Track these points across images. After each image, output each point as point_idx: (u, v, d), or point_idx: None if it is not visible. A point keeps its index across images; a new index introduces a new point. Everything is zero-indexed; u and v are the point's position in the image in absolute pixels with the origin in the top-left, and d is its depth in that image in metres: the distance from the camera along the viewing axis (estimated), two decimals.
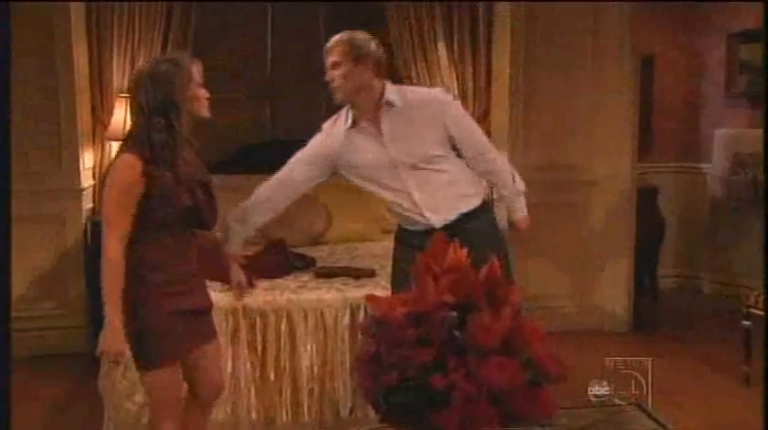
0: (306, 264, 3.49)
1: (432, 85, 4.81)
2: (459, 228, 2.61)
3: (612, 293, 4.68)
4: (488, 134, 4.90)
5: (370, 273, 3.38)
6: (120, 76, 4.37)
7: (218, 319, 2.99)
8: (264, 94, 4.97)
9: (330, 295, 3.12)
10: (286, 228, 4.12)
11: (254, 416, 3.04)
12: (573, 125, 4.62)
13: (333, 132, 2.72)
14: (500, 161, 2.86)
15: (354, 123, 2.66)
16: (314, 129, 4.87)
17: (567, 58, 4.57)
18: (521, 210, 2.92)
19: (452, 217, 2.67)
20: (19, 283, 3.93)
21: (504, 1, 4.60)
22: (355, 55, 2.57)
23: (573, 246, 4.69)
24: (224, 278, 3.21)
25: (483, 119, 4.89)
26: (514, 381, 1.08)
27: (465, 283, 1.18)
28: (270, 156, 4.66)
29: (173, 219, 2.18)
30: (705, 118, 5.59)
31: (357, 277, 3.31)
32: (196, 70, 2.26)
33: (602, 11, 4.56)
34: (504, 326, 1.13)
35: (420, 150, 2.62)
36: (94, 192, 4.45)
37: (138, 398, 2.92)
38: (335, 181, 4.55)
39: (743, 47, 5.28)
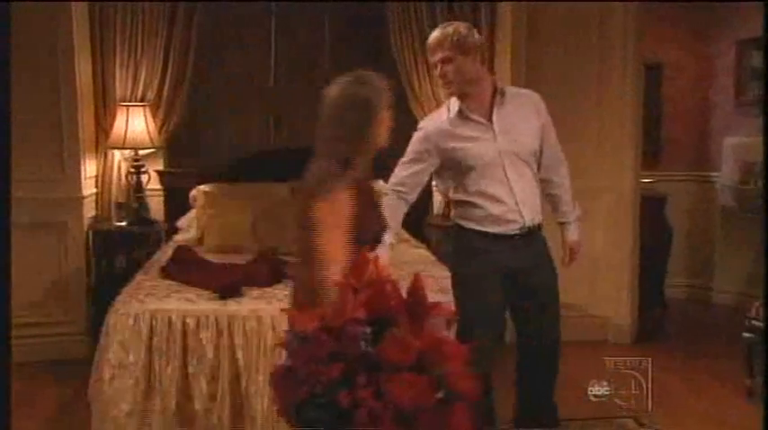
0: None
1: (432, 87, 4.79)
2: (532, 238, 2.73)
3: (617, 304, 4.60)
4: None
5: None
6: (122, 85, 4.42)
7: (204, 327, 3.01)
8: (268, 101, 4.97)
9: None
10: (281, 238, 4.12)
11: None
12: (575, 132, 4.54)
13: (437, 126, 2.74)
14: (568, 177, 2.91)
15: (460, 114, 2.69)
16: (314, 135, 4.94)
17: (570, 63, 4.52)
18: (576, 233, 2.98)
19: (535, 222, 2.73)
20: (20, 290, 3.97)
21: (506, 1, 4.54)
22: (464, 47, 2.62)
23: (581, 256, 4.60)
24: (210, 286, 3.21)
25: None
26: (422, 400, 1.04)
27: (383, 299, 1.15)
28: (273, 164, 4.71)
29: (360, 237, 2.12)
30: (715, 126, 5.49)
31: None
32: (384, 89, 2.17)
33: (606, 15, 4.50)
34: (420, 343, 1.10)
35: (526, 141, 2.70)
36: (97, 200, 4.49)
37: (125, 406, 2.93)
38: None
39: (753, 53, 5.17)
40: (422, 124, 2.87)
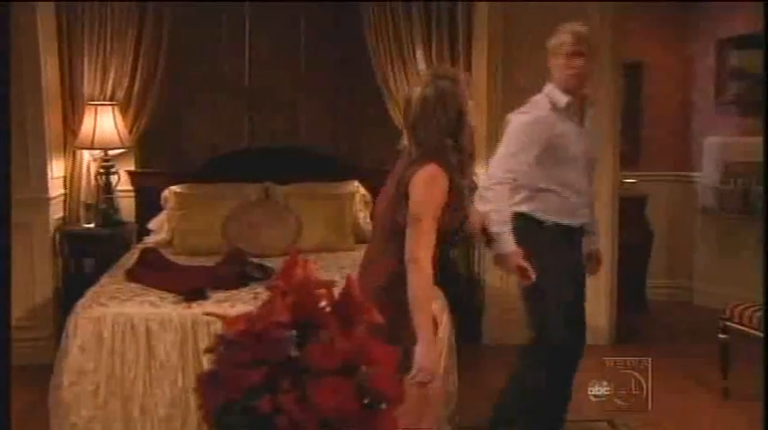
0: (265, 275, 3.45)
1: (408, 86, 4.78)
2: (582, 234, 3.00)
3: (595, 306, 4.56)
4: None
5: (330, 285, 3.32)
6: (91, 84, 4.38)
7: (168, 330, 2.98)
8: (243, 100, 4.95)
9: None
10: (253, 239, 4.10)
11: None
12: None
13: (544, 116, 2.90)
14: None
15: (567, 108, 2.92)
16: (294, 135, 4.93)
17: (546, 62, 4.49)
18: (598, 242, 3.18)
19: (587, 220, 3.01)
20: None
21: (482, 1, 4.54)
22: (593, 51, 2.99)
23: None
24: (175, 288, 3.19)
25: None
26: (346, 405, 1.03)
27: (310, 302, 1.13)
28: (248, 165, 4.69)
29: (452, 229, 2.20)
30: (695, 126, 5.51)
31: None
32: (465, 82, 2.26)
33: (583, 15, 4.48)
34: (347, 347, 1.08)
35: (596, 149, 3.12)
36: (65, 201, 4.45)
37: (85, 412, 2.89)
38: (307, 190, 4.56)
39: (733, 53, 5.18)
40: (527, 115, 2.95)
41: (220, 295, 3.20)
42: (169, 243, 4.25)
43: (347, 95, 5.05)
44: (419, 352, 2.00)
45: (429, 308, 2.06)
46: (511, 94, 4.49)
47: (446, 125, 2.16)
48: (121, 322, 2.97)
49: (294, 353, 1.07)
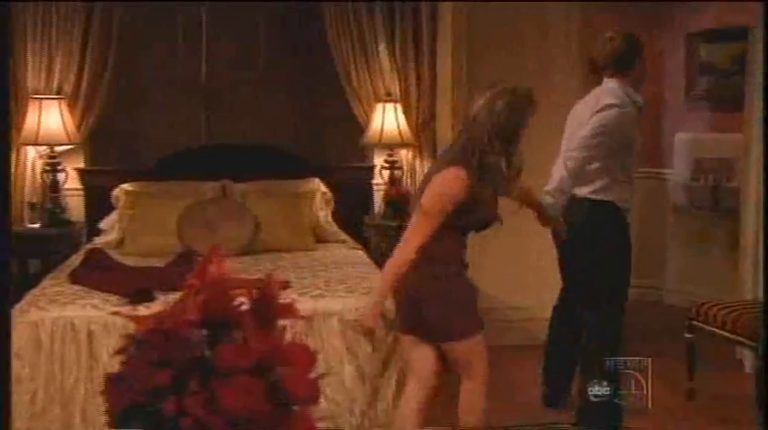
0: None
1: (373, 86, 4.78)
2: None
3: None
4: (433, 140, 4.89)
5: (284, 286, 3.31)
6: (35, 76, 4.32)
7: (111, 334, 2.94)
8: (200, 98, 4.91)
9: None
10: (208, 239, 4.06)
11: None
12: None
13: (630, 111, 3.26)
14: None
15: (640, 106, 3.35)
16: (254, 133, 4.90)
17: (511, 60, 4.53)
18: None
19: None
20: None
21: (446, 1, 4.56)
22: None
23: (524, 258, 4.64)
24: (120, 290, 3.15)
25: (428, 124, 4.87)
26: (257, 405, 1.02)
27: (223, 300, 1.13)
28: (204, 162, 4.65)
29: (471, 225, 2.57)
30: (666, 122, 5.56)
31: None
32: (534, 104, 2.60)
33: (548, 11, 4.52)
34: (260, 347, 1.08)
35: None
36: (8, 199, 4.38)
37: (20, 423, 2.84)
38: (265, 188, 4.54)
39: (703, 47, 5.25)
40: (624, 110, 3.25)
41: (169, 297, 3.16)
42: (120, 243, 4.20)
43: (309, 92, 5.03)
44: (366, 302, 2.62)
45: (390, 280, 2.50)
46: (476, 94, 4.51)
47: (499, 129, 2.47)
48: (61, 326, 2.92)
49: (205, 352, 1.06)
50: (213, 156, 4.71)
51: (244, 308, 1.11)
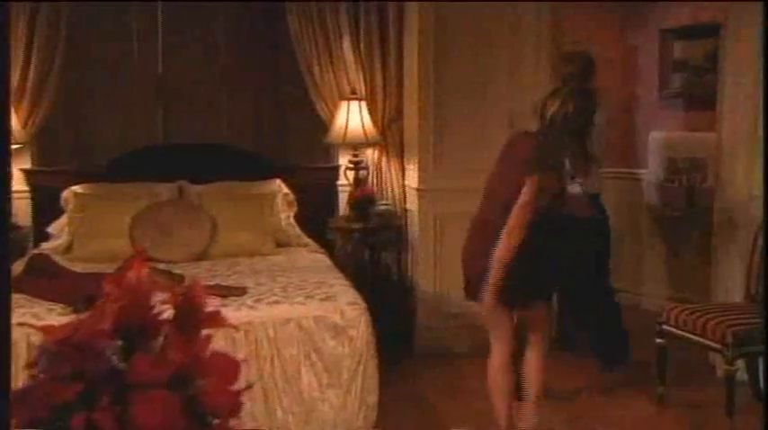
0: (173, 282, 3.37)
1: (337, 81, 4.76)
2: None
3: None
4: (400, 136, 4.88)
5: (240, 292, 3.28)
6: None
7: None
8: (157, 90, 4.85)
9: None
10: (163, 243, 4.01)
11: None
12: (490, 129, 4.57)
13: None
14: None
15: None
16: (213, 131, 4.85)
17: (480, 56, 4.54)
18: None
19: None
20: None
21: (412, 0, 4.56)
22: None
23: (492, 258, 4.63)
24: (65, 298, 3.10)
25: (395, 120, 4.86)
26: (172, 420, 1.00)
27: (141, 308, 1.10)
28: (161, 162, 4.59)
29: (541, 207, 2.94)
30: (640, 120, 5.60)
31: (224, 296, 3.21)
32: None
33: (518, 8, 4.53)
34: (181, 358, 1.05)
35: None
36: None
37: None
38: (224, 189, 4.49)
39: (677, 44, 5.30)
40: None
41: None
42: (68, 248, 4.13)
43: (271, 90, 4.99)
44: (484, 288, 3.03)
45: (502, 267, 2.95)
46: (443, 92, 4.52)
47: (574, 123, 2.97)
48: None
49: (120, 365, 1.03)
50: (170, 156, 4.66)
51: (165, 316, 1.09)
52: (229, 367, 1.09)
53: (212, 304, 3.13)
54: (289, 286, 3.40)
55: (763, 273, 3.38)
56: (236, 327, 2.83)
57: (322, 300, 3.23)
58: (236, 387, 1.07)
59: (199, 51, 4.90)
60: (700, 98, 5.05)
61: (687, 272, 5.18)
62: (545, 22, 4.51)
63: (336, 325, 3.12)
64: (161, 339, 1.07)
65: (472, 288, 3.16)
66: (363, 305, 3.24)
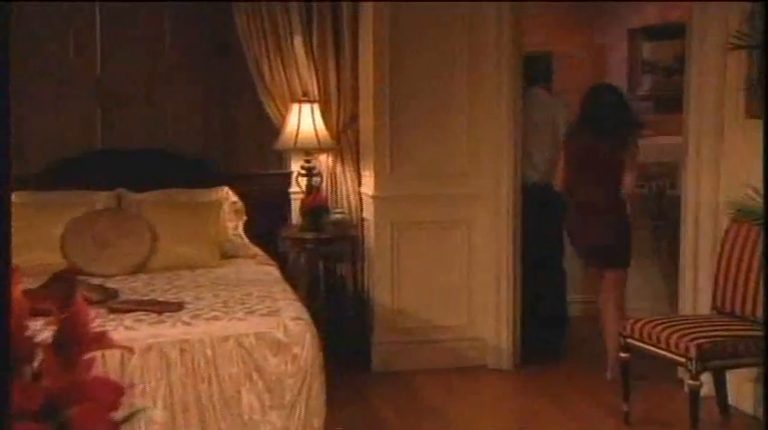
0: (105, 297, 3.33)
1: (288, 82, 4.74)
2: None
3: (496, 325, 4.63)
4: (356, 141, 4.87)
5: (177, 307, 3.24)
6: None
7: None
8: (96, 92, 4.79)
9: (115, 336, 2.94)
10: (98, 256, 3.96)
11: None
12: (445, 132, 4.59)
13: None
14: None
15: None
16: (157, 135, 4.80)
17: (437, 57, 4.55)
18: None
19: None
20: None
21: (367, 1, 4.57)
22: None
23: (454, 270, 4.65)
24: None
25: (350, 124, 4.85)
26: None
27: (15, 331, 1.07)
28: (100, 169, 4.53)
29: None
30: None
31: (158, 312, 3.17)
32: None
33: (477, 5, 4.55)
34: (55, 384, 1.02)
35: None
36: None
37: None
38: (166, 197, 4.45)
39: (645, 44, 5.36)
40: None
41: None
42: None
43: (218, 92, 4.96)
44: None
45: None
46: (400, 94, 4.53)
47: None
48: None
49: None
50: (108, 161, 4.60)
51: (42, 338, 1.06)
52: (109, 393, 1.06)
53: (147, 321, 3.08)
54: (230, 300, 3.37)
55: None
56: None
57: (264, 315, 3.20)
58: (115, 415, 1.04)
59: (141, 51, 4.85)
60: (670, 101, 5.11)
61: (658, 283, 5.23)
62: (506, 21, 4.52)
63: (279, 341, 3.08)
64: (35, 364, 1.05)
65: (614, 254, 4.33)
66: (308, 320, 3.21)
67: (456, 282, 4.64)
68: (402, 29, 4.51)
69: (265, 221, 4.72)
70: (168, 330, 3.04)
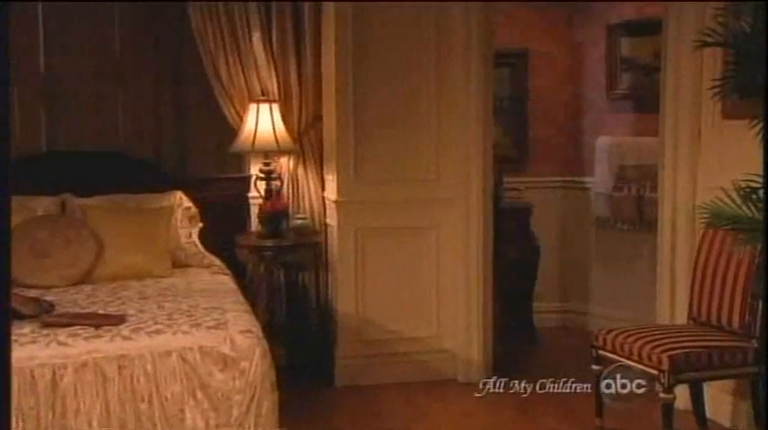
0: (39, 311, 3.28)
1: (247, 81, 4.71)
2: None
3: (466, 336, 4.61)
4: (319, 143, 4.84)
5: (117, 321, 3.20)
6: None
7: None
8: (39, 90, 4.74)
9: (47, 351, 2.92)
10: (37, 266, 3.91)
11: None
12: (411, 134, 4.57)
13: None
14: None
15: None
16: (106, 136, 4.74)
17: (406, 57, 4.55)
18: None
19: None
20: None
21: (329, 1, 4.56)
22: None
23: (422, 279, 4.63)
24: None
25: (314, 125, 4.82)
26: None
27: None
28: (44, 173, 4.46)
29: None
30: (587, 123, 5.65)
31: (97, 326, 3.12)
32: None
33: (444, 7, 4.54)
34: None
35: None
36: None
37: None
38: (113, 203, 4.40)
39: (624, 41, 5.36)
40: None
41: None
42: None
43: (171, 91, 4.92)
44: None
45: None
46: (364, 95, 4.50)
47: None
48: None
49: None
50: (53, 165, 4.55)
51: None
52: None
53: (83, 335, 3.03)
54: (175, 312, 3.33)
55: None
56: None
57: (210, 327, 3.15)
58: None
59: (89, 48, 4.81)
60: (650, 99, 5.10)
61: (638, 290, 5.23)
62: (475, 21, 4.50)
63: (225, 356, 3.04)
64: None
65: None
66: (259, 333, 3.18)
67: (424, 292, 4.62)
68: (366, 27, 4.49)
69: (223, 228, 4.68)
70: (105, 345, 2.99)
